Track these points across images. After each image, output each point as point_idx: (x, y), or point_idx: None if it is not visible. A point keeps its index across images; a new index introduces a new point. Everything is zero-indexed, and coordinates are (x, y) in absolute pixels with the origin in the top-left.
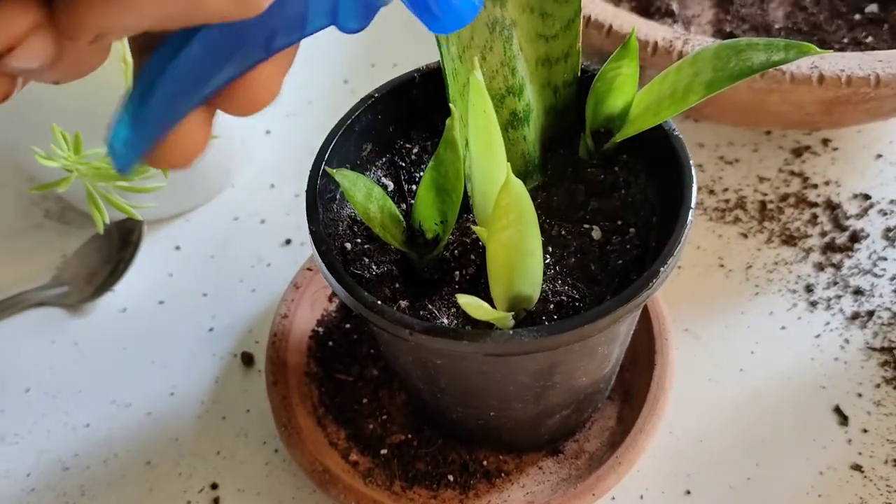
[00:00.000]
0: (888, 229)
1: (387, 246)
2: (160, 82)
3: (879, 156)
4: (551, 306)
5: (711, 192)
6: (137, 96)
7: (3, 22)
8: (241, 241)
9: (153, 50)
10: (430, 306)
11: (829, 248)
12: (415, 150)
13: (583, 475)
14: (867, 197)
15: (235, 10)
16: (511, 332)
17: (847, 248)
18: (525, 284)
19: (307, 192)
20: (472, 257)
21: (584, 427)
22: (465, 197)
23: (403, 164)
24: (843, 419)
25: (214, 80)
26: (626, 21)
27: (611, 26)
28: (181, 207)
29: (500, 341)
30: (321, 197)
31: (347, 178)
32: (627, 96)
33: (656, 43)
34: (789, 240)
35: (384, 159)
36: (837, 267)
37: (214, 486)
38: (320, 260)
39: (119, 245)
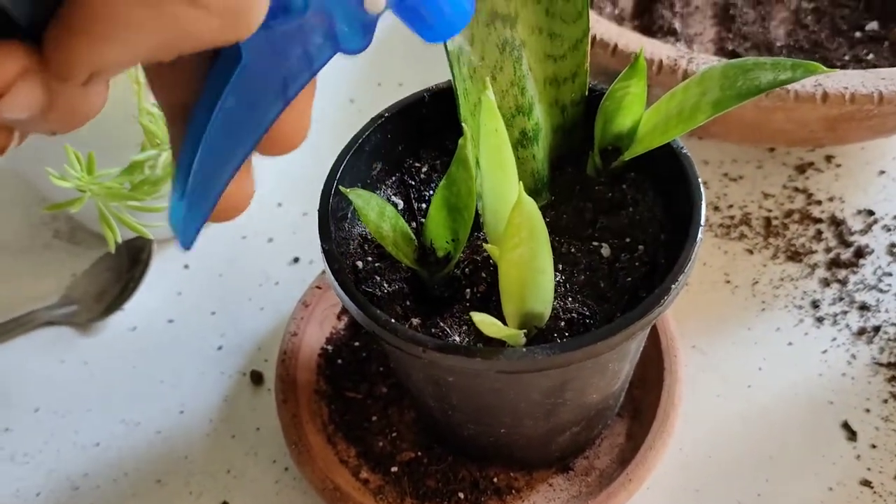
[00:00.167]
0: (892, 245)
1: (398, 264)
2: (198, 160)
3: (882, 172)
4: (562, 323)
5: (717, 208)
6: (182, 176)
7: None
8: (250, 259)
9: (183, 121)
10: (441, 324)
11: (835, 263)
12: (424, 169)
13: (593, 492)
14: (871, 213)
15: (225, 32)
16: (524, 349)
17: (852, 264)
18: (537, 302)
19: (319, 210)
20: (483, 275)
21: (594, 444)
22: (476, 215)
23: (413, 183)
24: (852, 435)
25: (246, 142)
26: (632, 40)
27: (616, 45)
28: None
29: (513, 359)
30: (333, 216)
31: (361, 198)
32: (635, 115)
33: (661, 61)
34: (795, 256)
35: (394, 178)
36: (843, 283)
37: None
38: (333, 278)
39: (128, 264)
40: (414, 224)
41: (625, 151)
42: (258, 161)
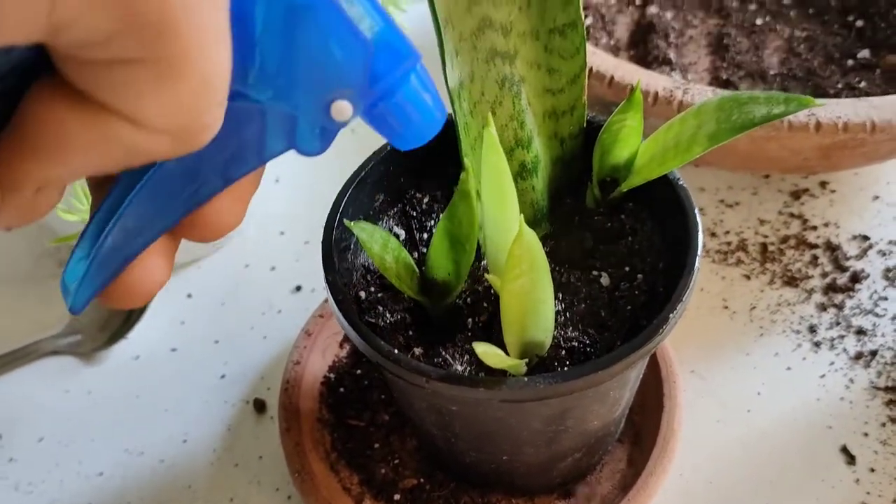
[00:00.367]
0: (888, 269)
1: (400, 294)
2: (116, 218)
3: (876, 197)
4: (563, 352)
5: (713, 234)
6: (92, 233)
7: None
8: (252, 288)
9: (110, 183)
10: (443, 353)
11: (831, 288)
12: (425, 200)
13: None
14: (866, 238)
15: (175, 149)
16: (526, 378)
17: (848, 289)
18: (538, 331)
19: (323, 242)
20: (485, 305)
21: (595, 470)
22: (477, 246)
23: (414, 214)
24: (851, 459)
25: (171, 213)
26: (628, 72)
27: (612, 77)
28: (192, 255)
29: (515, 388)
30: (336, 247)
31: (365, 231)
32: (632, 147)
33: (657, 93)
34: (791, 281)
35: (396, 209)
36: (839, 307)
37: None
38: (338, 310)
39: None
40: (416, 254)
41: (623, 182)
42: (264, 191)
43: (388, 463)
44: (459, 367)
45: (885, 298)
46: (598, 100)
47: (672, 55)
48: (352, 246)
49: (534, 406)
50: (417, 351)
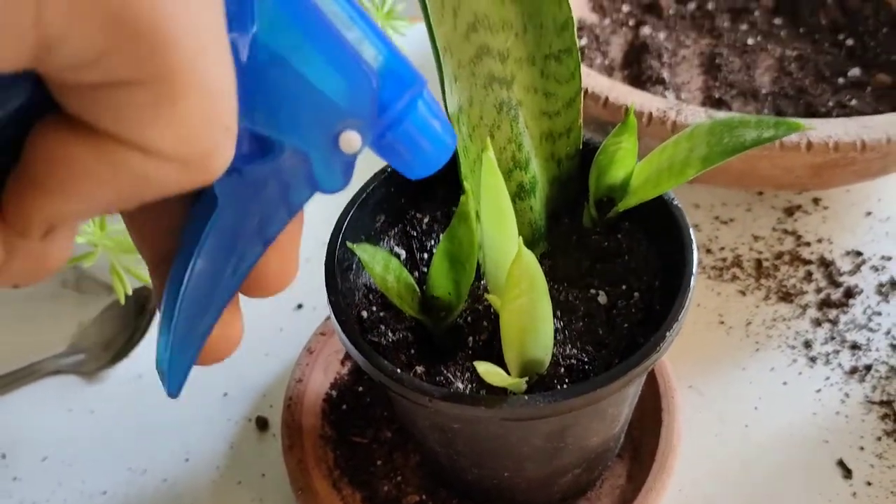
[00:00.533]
0: (881, 284)
1: (402, 314)
2: (179, 306)
3: (869, 213)
4: (562, 370)
5: (709, 251)
6: (166, 322)
7: None
8: (254, 306)
9: (166, 270)
10: (445, 372)
11: (825, 303)
12: (426, 220)
13: None
14: (859, 253)
15: (186, 177)
16: (526, 397)
17: (842, 304)
18: (537, 349)
19: (326, 263)
20: (485, 324)
21: (595, 485)
22: (477, 266)
23: (415, 234)
24: (847, 472)
25: (227, 286)
26: (622, 93)
27: (607, 98)
28: None
29: (516, 406)
30: (339, 267)
31: (367, 252)
32: (628, 168)
33: (651, 114)
34: (786, 296)
35: (397, 229)
36: (834, 322)
37: None
38: (340, 329)
39: (135, 313)
40: (416, 274)
41: (619, 203)
42: None
43: (390, 480)
44: (461, 386)
45: (879, 313)
46: (593, 119)
47: (665, 75)
48: (354, 266)
49: (534, 423)
50: (419, 370)
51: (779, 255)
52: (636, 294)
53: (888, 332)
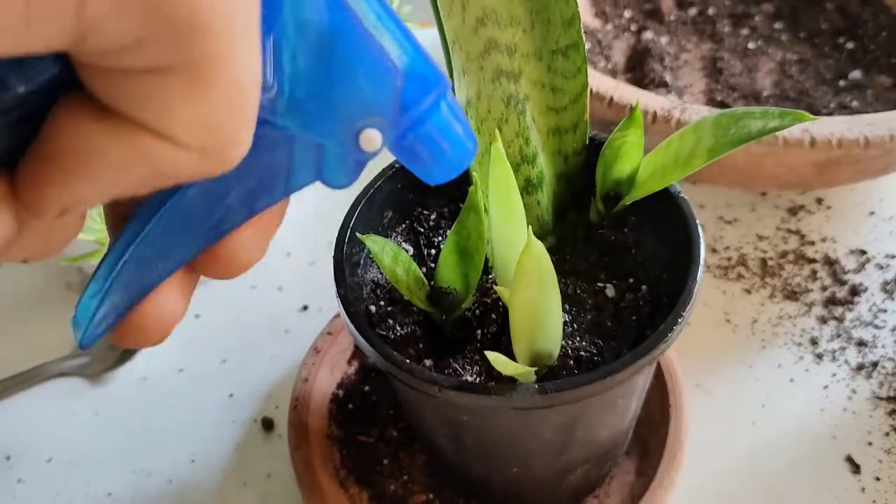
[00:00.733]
0: (886, 282)
1: (409, 308)
2: (131, 251)
3: (872, 212)
4: (571, 362)
5: (714, 250)
6: (107, 268)
7: None
8: (259, 308)
9: (127, 221)
10: (454, 364)
11: (831, 301)
12: (433, 217)
13: None
14: (863, 252)
15: (205, 167)
16: (536, 385)
17: (848, 302)
18: (547, 341)
19: (335, 256)
20: (493, 316)
21: (604, 482)
22: (485, 259)
23: (422, 230)
24: (856, 468)
25: (191, 244)
26: (626, 93)
27: (612, 98)
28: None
29: (526, 395)
30: (347, 262)
31: (376, 243)
32: (634, 162)
33: (655, 112)
34: (791, 295)
35: (404, 225)
36: (840, 320)
37: None
38: (350, 322)
39: None
40: (424, 269)
41: (625, 196)
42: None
43: (397, 479)
44: (469, 378)
45: (885, 310)
46: (598, 119)
47: (668, 78)
48: (361, 261)
49: (544, 414)
50: (428, 363)
51: (783, 254)
52: (644, 287)
53: (894, 329)
